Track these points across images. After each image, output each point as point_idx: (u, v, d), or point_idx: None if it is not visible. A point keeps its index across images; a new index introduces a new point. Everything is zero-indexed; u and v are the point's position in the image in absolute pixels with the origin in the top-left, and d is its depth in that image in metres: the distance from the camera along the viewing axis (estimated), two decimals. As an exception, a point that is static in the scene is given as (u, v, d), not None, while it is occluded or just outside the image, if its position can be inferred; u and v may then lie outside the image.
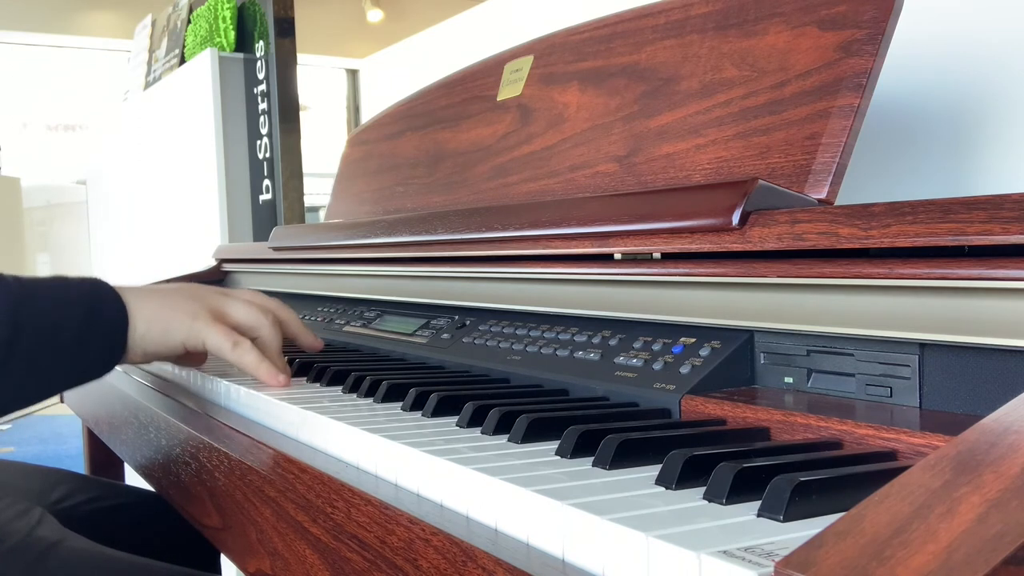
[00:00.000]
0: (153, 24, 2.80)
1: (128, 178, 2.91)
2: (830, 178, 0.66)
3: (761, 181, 0.63)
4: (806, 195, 0.66)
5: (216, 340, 0.83)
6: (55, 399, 1.31)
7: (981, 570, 0.26)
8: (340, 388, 0.83)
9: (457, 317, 0.96)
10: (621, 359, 0.70)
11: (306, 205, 2.13)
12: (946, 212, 0.49)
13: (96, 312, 0.77)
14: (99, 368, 0.79)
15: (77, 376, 0.78)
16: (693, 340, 0.66)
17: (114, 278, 0.82)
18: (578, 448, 0.54)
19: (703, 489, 0.45)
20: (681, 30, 0.85)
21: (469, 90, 1.16)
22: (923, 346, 0.53)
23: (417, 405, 0.71)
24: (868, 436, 0.51)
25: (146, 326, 0.80)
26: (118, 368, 1.15)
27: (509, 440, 0.59)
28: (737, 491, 0.44)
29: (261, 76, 2.13)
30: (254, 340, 0.86)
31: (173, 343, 0.82)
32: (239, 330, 0.85)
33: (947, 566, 0.27)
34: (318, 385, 0.86)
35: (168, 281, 1.54)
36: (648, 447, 0.53)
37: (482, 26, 1.95)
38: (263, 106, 2.12)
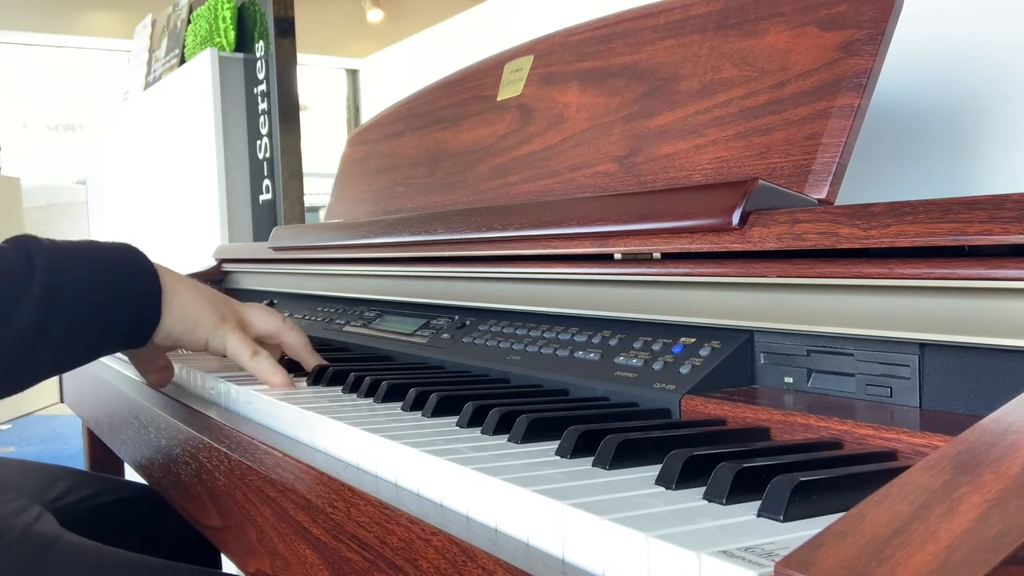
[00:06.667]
0: (153, 24, 2.80)
1: (128, 178, 2.91)
2: (830, 178, 0.65)
3: (761, 181, 0.63)
4: (806, 195, 0.66)
5: (237, 347, 0.87)
6: (54, 398, 1.31)
7: (981, 570, 0.26)
8: (340, 388, 0.83)
9: (457, 317, 0.96)
10: (621, 359, 0.70)
11: (306, 205, 2.13)
12: (946, 212, 0.49)
13: (133, 278, 0.79)
14: (132, 339, 0.81)
15: (111, 344, 0.80)
16: (693, 340, 0.66)
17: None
18: (578, 448, 0.54)
19: (703, 489, 0.45)
20: (681, 30, 0.85)
21: (469, 90, 1.16)
22: (923, 346, 0.53)
23: (417, 405, 0.70)
24: (868, 436, 0.51)
25: (179, 313, 0.83)
26: (117, 367, 1.15)
27: (509, 440, 0.59)
28: (737, 491, 0.44)
29: (261, 76, 2.13)
30: (280, 345, 0.93)
31: (198, 338, 0.85)
32: (259, 339, 0.91)
33: (947, 566, 0.27)
34: (318, 385, 0.86)
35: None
36: (648, 447, 0.53)
37: (482, 26, 1.95)
38: (263, 106, 2.12)
